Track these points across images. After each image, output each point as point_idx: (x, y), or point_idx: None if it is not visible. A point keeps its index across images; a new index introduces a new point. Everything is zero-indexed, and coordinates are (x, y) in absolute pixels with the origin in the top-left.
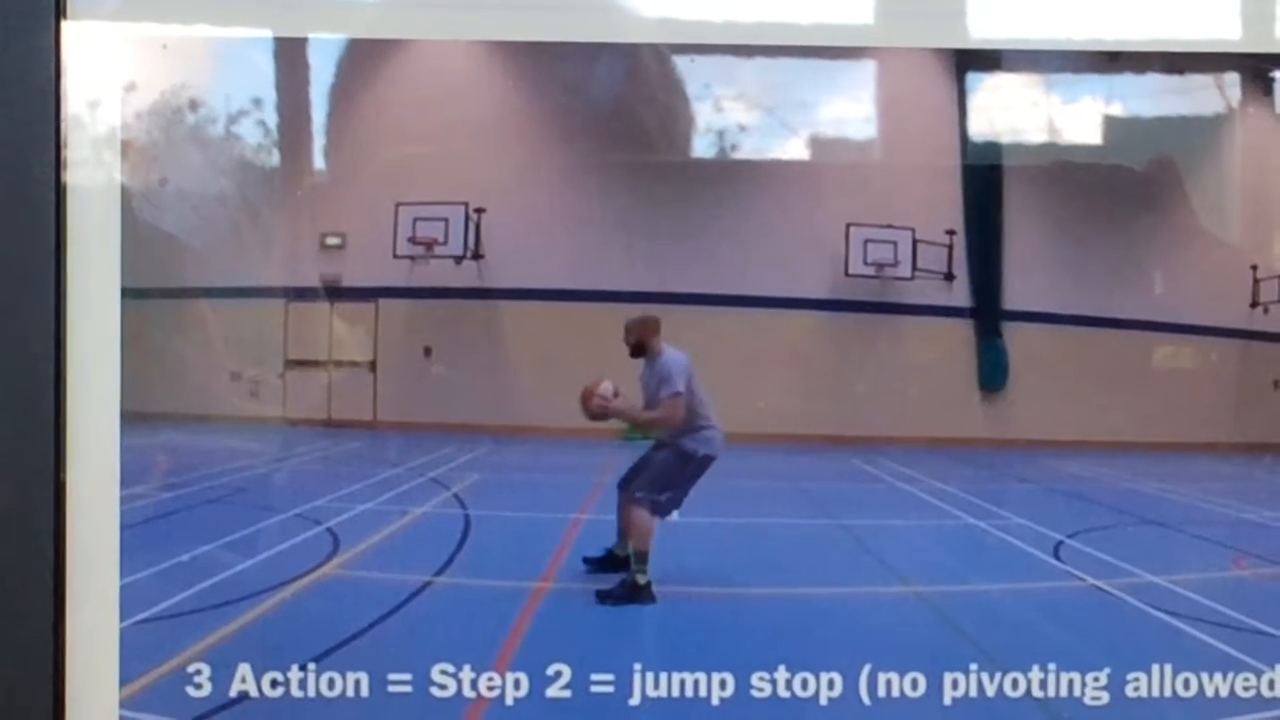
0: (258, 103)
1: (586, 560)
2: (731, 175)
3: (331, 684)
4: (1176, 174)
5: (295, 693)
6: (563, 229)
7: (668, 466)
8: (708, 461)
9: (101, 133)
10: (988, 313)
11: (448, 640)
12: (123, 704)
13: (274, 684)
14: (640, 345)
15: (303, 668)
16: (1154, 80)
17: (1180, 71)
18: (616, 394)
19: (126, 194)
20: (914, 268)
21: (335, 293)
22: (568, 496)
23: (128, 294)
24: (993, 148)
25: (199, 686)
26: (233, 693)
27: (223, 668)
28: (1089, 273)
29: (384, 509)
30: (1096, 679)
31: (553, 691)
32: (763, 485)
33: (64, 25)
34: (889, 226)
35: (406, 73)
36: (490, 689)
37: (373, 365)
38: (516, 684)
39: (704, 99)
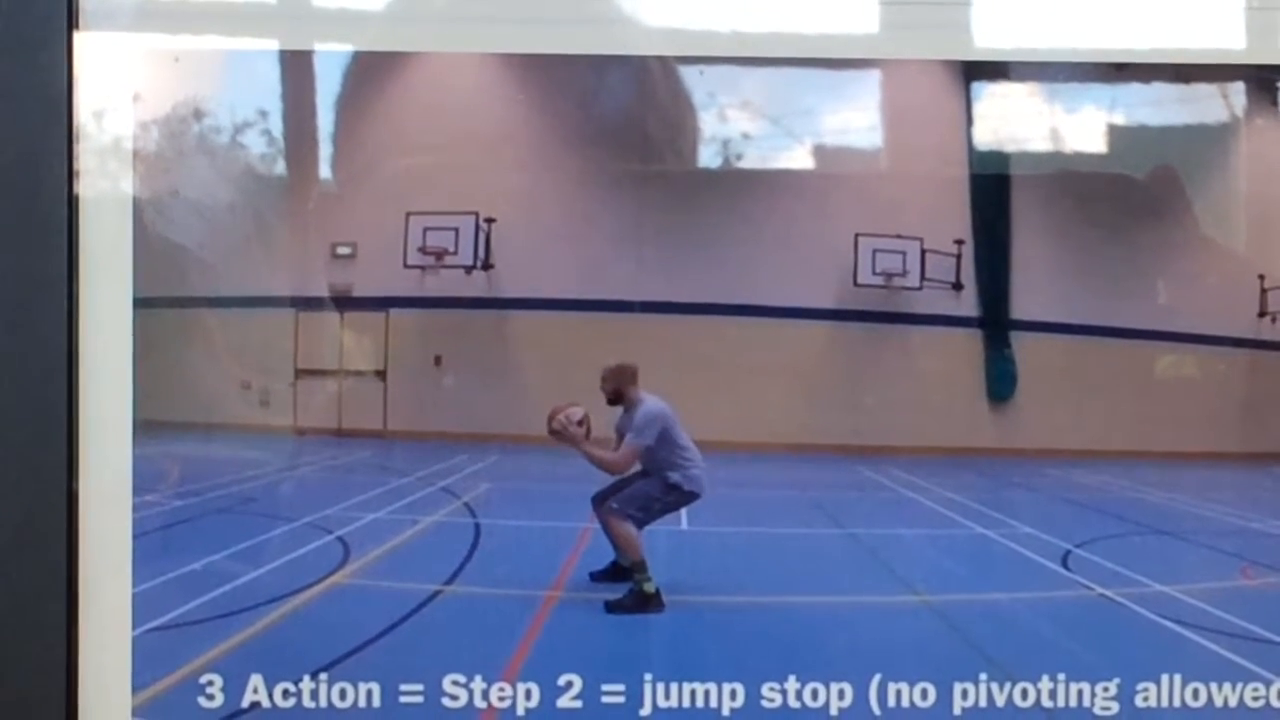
0: (268, 114)
1: (593, 575)
2: (740, 185)
3: (343, 694)
4: (1183, 184)
5: (307, 703)
6: (573, 239)
7: (649, 490)
8: (690, 498)
9: (113, 143)
10: (996, 322)
11: (458, 650)
12: (135, 712)
13: (286, 694)
14: (617, 393)
15: (314, 677)
16: (1160, 90)
17: (1186, 81)
18: (581, 423)
19: (138, 204)
20: (922, 278)
21: (345, 302)
22: (578, 506)
23: (139, 304)
24: (1000, 157)
25: (211, 697)
26: (244, 703)
27: (234, 677)
28: (1097, 282)
29: (394, 518)
30: (1106, 689)
31: (564, 702)
32: (771, 494)
33: (76, 37)
34: (897, 236)
35: (416, 83)
36: (501, 699)
37: (383, 374)
38: (527, 694)
39: (712, 109)
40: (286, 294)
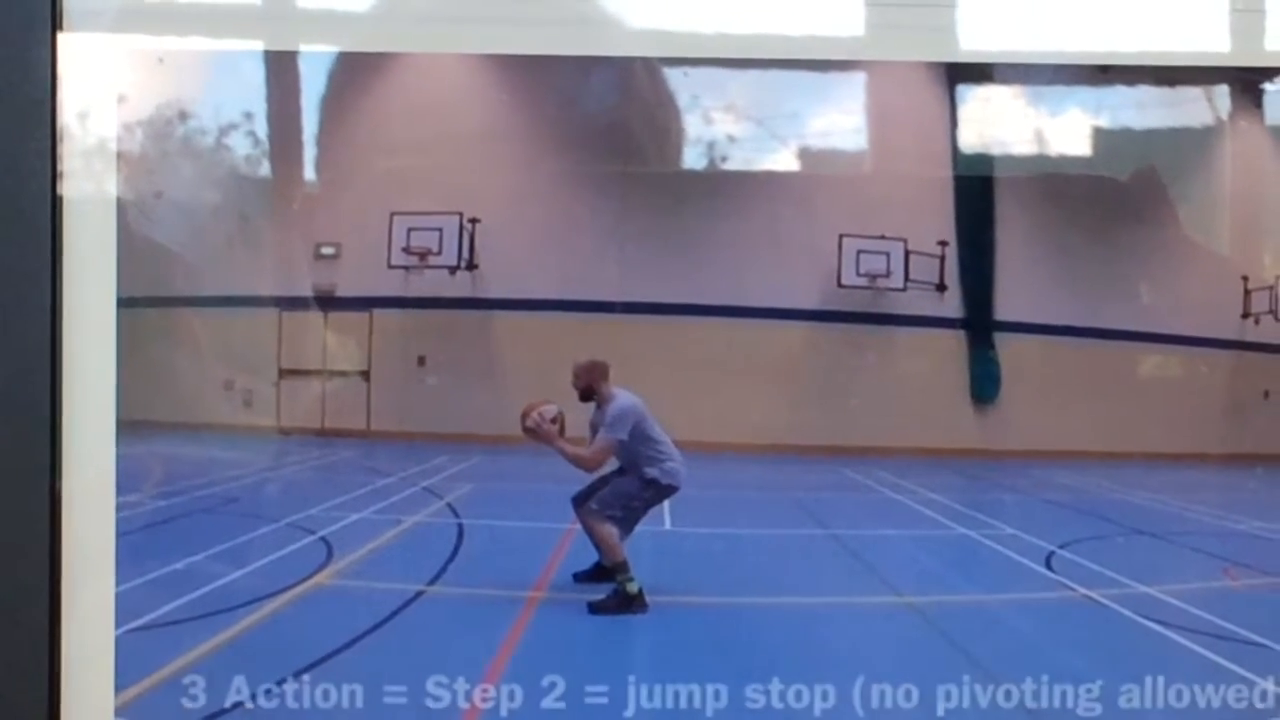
0: (252, 114)
1: (576, 576)
2: (725, 187)
3: (326, 695)
4: (1167, 186)
5: (290, 704)
6: (556, 240)
7: (627, 488)
8: (669, 491)
9: (97, 144)
10: (980, 324)
11: (441, 650)
12: (117, 712)
13: (268, 694)
14: (589, 390)
15: (297, 678)
16: (1144, 92)
17: (1170, 84)
18: (555, 420)
19: (122, 205)
20: (906, 279)
21: (329, 302)
22: (560, 506)
23: (123, 304)
24: (984, 159)
25: (193, 697)
26: (227, 703)
27: (217, 677)
28: (1081, 284)
29: (377, 518)
30: (1089, 690)
31: (547, 703)
32: (755, 495)
33: (60, 37)
34: (881, 238)
35: (401, 84)
36: (484, 700)
37: (366, 375)
38: (511, 695)
39: (696, 111)
40: (270, 294)
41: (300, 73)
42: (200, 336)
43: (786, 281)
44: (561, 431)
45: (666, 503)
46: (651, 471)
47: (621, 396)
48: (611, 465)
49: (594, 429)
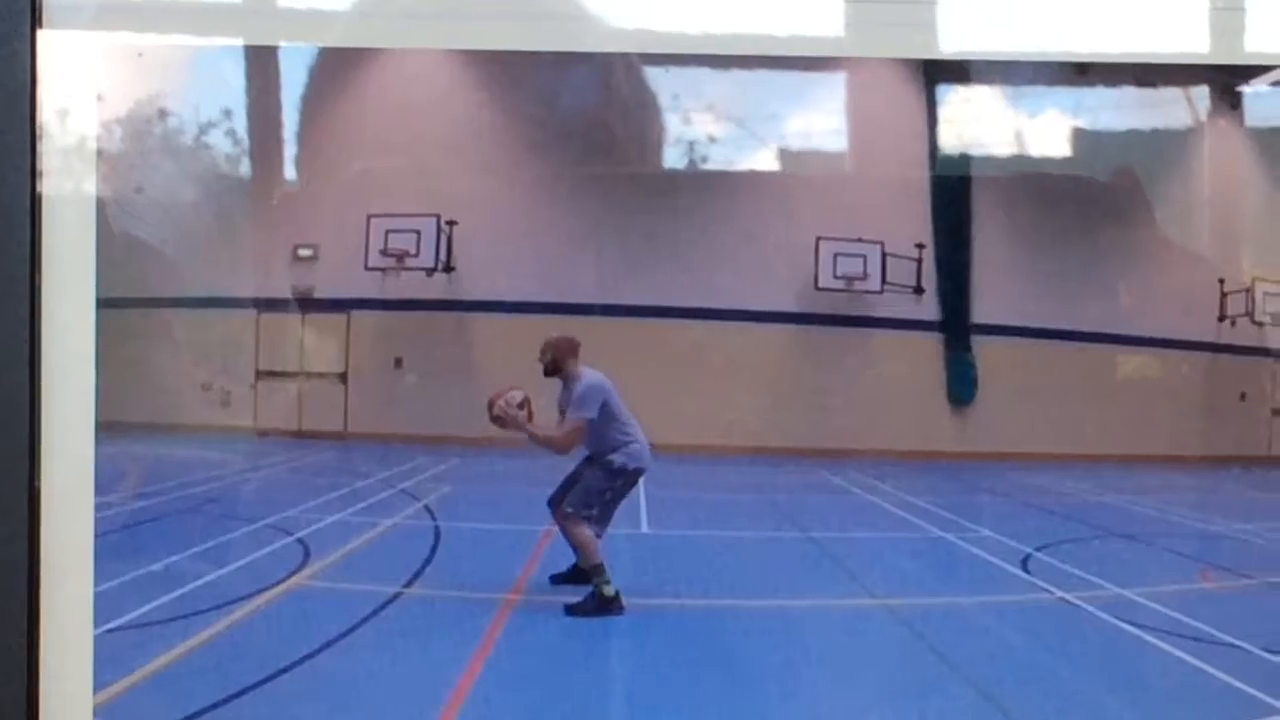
0: (232, 112)
1: (553, 578)
2: (703, 188)
3: (304, 694)
4: (1145, 188)
5: (268, 703)
6: (534, 242)
7: (595, 483)
8: (637, 475)
9: (76, 142)
10: (957, 326)
11: (418, 651)
12: (96, 712)
13: (246, 693)
14: (555, 365)
15: (274, 677)
16: (1123, 94)
17: (1149, 84)
18: (523, 405)
19: (101, 203)
20: (883, 281)
21: (307, 304)
22: (538, 508)
23: (101, 303)
24: (962, 161)
25: (172, 697)
26: (205, 702)
27: (195, 676)
28: (1058, 286)
29: (354, 520)
30: (1063, 690)
31: (523, 703)
32: (731, 497)
33: (40, 34)
34: (859, 240)
35: (379, 84)
36: (461, 699)
37: (344, 376)
38: (487, 695)
39: (676, 112)
40: (248, 295)
41: (280, 70)
42: (178, 337)
43: (764, 284)
44: (530, 417)
45: (644, 506)
46: (617, 458)
47: (589, 374)
48: (579, 456)
49: (562, 411)
